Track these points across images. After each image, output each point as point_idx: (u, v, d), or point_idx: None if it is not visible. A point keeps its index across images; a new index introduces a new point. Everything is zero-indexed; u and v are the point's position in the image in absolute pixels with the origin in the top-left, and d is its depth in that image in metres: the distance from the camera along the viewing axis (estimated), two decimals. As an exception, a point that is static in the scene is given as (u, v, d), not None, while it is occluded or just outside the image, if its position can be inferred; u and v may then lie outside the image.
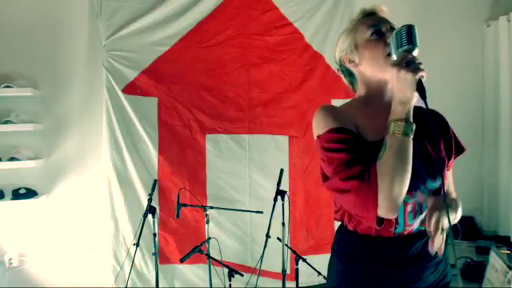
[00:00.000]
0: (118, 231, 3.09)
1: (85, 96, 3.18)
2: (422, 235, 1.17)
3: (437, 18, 3.46)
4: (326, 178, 1.18)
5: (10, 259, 3.07)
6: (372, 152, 1.07)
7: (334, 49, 1.34)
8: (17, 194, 2.98)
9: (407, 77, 1.01)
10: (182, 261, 2.36)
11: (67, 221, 3.15)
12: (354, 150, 1.09)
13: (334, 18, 3.51)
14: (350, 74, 1.34)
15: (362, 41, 1.21)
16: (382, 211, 1.02)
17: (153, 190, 2.70)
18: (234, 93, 3.32)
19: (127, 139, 3.10)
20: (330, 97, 3.51)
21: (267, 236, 2.46)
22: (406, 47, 1.04)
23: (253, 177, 3.34)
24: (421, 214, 1.15)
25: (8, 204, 3.00)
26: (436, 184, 1.16)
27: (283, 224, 2.54)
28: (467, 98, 3.58)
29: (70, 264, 3.15)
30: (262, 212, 2.71)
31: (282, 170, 2.62)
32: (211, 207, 2.76)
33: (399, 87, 1.03)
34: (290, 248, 2.70)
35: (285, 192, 2.53)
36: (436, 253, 1.13)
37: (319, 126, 1.17)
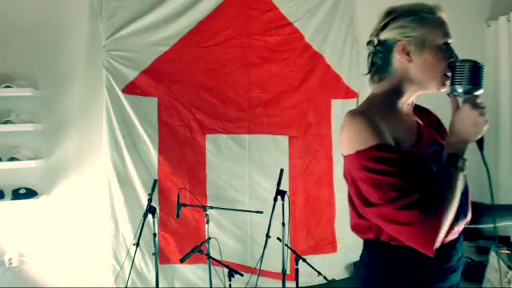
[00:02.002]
0: (117, 231, 3.09)
1: (85, 96, 3.18)
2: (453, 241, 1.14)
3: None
4: (366, 201, 1.02)
5: (10, 259, 3.06)
6: (412, 167, 1.01)
7: (381, 21, 1.15)
8: (17, 194, 2.98)
9: (480, 121, 1.01)
10: (182, 261, 2.36)
11: (67, 221, 3.15)
12: (407, 173, 0.98)
13: (334, 18, 3.51)
14: (386, 61, 1.14)
15: (432, 44, 1.09)
16: (438, 242, 0.97)
17: (153, 190, 2.70)
18: (234, 93, 3.32)
19: (127, 139, 3.10)
20: (330, 97, 3.52)
21: (267, 236, 2.46)
22: (479, 88, 1.03)
23: (253, 177, 3.34)
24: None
25: (8, 204, 3.00)
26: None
27: (283, 224, 2.54)
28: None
29: (70, 264, 3.15)
30: (262, 212, 2.71)
31: (282, 170, 2.62)
32: (211, 207, 2.76)
33: (467, 126, 1.02)
34: (290, 248, 2.69)
35: (285, 192, 2.53)
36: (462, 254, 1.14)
37: (359, 138, 1.01)
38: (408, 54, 1.09)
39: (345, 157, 1.08)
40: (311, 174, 3.47)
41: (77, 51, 3.16)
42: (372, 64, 1.18)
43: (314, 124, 3.48)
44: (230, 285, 2.48)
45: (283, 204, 2.53)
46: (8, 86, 2.92)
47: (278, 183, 2.57)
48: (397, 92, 1.14)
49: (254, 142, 3.35)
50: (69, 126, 3.16)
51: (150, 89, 3.16)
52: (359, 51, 3.65)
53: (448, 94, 1.09)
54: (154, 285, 2.74)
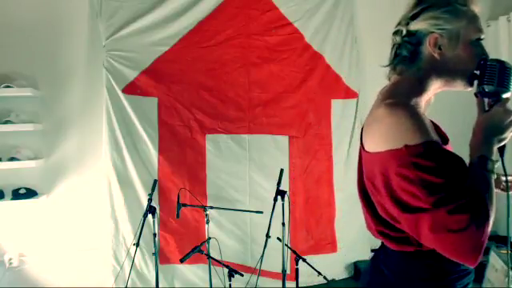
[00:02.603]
0: (117, 231, 3.09)
1: (85, 96, 3.18)
2: None
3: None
4: (408, 207, 0.91)
5: (10, 259, 3.06)
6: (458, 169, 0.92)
7: (411, 10, 1.05)
8: (17, 194, 2.98)
9: (510, 127, 0.97)
10: (181, 261, 2.36)
11: (67, 221, 3.15)
12: (457, 175, 0.89)
13: (334, 17, 3.52)
14: (414, 53, 1.05)
15: (466, 39, 1.01)
16: (483, 251, 0.89)
17: (153, 189, 2.70)
18: (234, 93, 3.32)
19: (127, 139, 3.10)
20: (330, 97, 3.52)
21: (267, 236, 2.46)
22: (508, 91, 0.99)
23: (253, 177, 3.34)
24: None
25: (8, 204, 3.00)
26: None
27: (283, 224, 2.54)
28: (467, 97, 3.56)
29: (70, 264, 3.15)
30: (262, 212, 2.71)
31: (282, 170, 2.62)
32: (211, 207, 2.76)
33: (496, 129, 0.97)
34: (290, 248, 2.69)
35: (285, 192, 2.53)
36: None
37: (408, 132, 0.90)
38: (439, 47, 1.01)
39: (378, 153, 0.96)
40: (311, 174, 3.47)
41: (77, 51, 3.17)
42: (396, 55, 1.08)
43: (314, 124, 3.48)
44: (230, 285, 2.48)
45: (283, 204, 2.53)
46: (8, 86, 2.92)
47: (278, 183, 2.57)
48: (420, 87, 1.04)
49: (254, 142, 3.35)
50: (69, 126, 3.16)
51: (150, 89, 3.16)
52: (359, 51, 3.65)
53: (475, 94, 1.04)
54: (154, 285, 2.73)
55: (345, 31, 3.56)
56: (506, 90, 0.98)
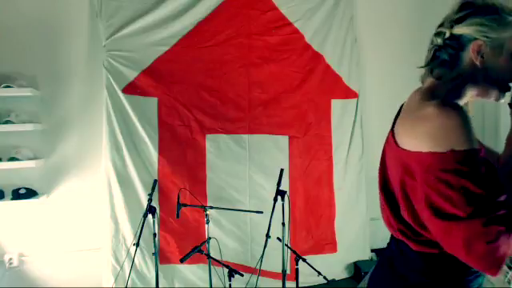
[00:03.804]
0: (117, 231, 3.09)
1: (85, 96, 3.18)
2: None
3: (436, 18, 3.46)
4: (442, 213, 0.88)
5: (10, 259, 3.07)
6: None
7: (456, 11, 1.02)
8: (17, 194, 2.97)
9: None
10: (182, 261, 2.36)
11: (67, 221, 3.15)
12: (495, 185, 0.87)
13: (334, 17, 3.51)
14: (455, 57, 1.01)
15: (509, 50, 0.98)
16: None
17: (153, 189, 2.70)
18: (234, 93, 3.32)
19: (127, 139, 3.10)
20: (330, 97, 3.52)
21: (267, 236, 2.46)
22: None
23: (253, 177, 3.34)
24: None
25: (8, 204, 3.00)
26: None
27: (283, 224, 2.54)
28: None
29: (70, 264, 3.15)
30: (262, 212, 2.71)
31: (282, 170, 2.62)
32: (211, 207, 2.76)
33: None
34: (290, 248, 2.70)
35: (285, 192, 2.53)
36: None
37: (458, 137, 0.87)
38: (482, 55, 0.98)
39: (418, 152, 0.92)
40: (311, 174, 3.47)
41: (77, 51, 3.17)
42: (434, 57, 1.04)
43: (314, 124, 3.48)
44: (230, 285, 2.48)
45: (283, 204, 2.53)
46: (8, 86, 2.92)
47: (278, 183, 2.57)
48: (456, 93, 1.02)
49: (254, 142, 3.35)
50: (69, 125, 3.16)
51: (149, 89, 3.16)
52: (359, 51, 3.65)
53: (510, 105, 1.04)
54: (154, 285, 2.74)
55: (345, 31, 3.55)
56: None
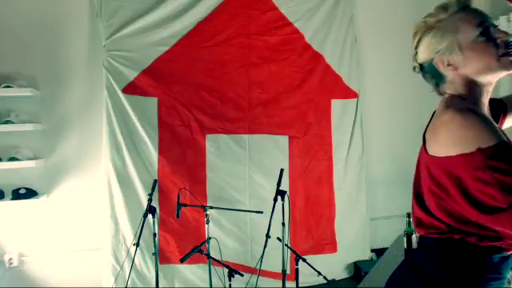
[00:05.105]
0: (117, 231, 3.09)
1: (85, 96, 3.18)
2: None
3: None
4: (484, 207, 0.93)
5: (10, 259, 3.07)
6: None
7: (412, 46, 1.12)
8: (17, 194, 2.97)
9: None
10: (182, 261, 2.36)
11: (67, 221, 3.15)
12: None
13: (334, 17, 3.52)
14: (437, 76, 1.11)
15: (468, 42, 1.03)
16: None
17: (153, 189, 2.70)
18: (234, 93, 3.32)
19: (127, 139, 3.10)
20: (330, 97, 3.52)
21: (267, 236, 2.46)
22: None
23: (253, 177, 3.34)
24: None
25: (8, 204, 3.00)
26: None
27: (283, 224, 2.54)
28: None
29: (70, 264, 3.15)
30: (262, 212, 2.71)
31: (282, 170, 2.62)
32: (211, 207, 2.76)
33: None
34: (290, 248, 2.69)
35: (285, 192, 2.53)
36: None
37: (481, 135, 0.91)
38: (449, 64, 1.06)
39: (448, 157, 0.96)
40: (311, 174, 3.47)
41: (77, 51, 3.17)
42: (428, 79, 1.14)
43: (314, 124, 3.48)
44: (230, 285, 2.48)
45: (283, 204, 2.53)
46: (8, 86, 2.92)
47: (278, 183, 2.57)
48: (470, 92, 1.07)
49: (254, 142, 3.35)
50: (69, 125, 3.16)
51: (149, 89, 3.16)
52: (359, 51, 3.65)
53: None
54: (154, 285, 2.74)
55: (345, 31, 3.56)
56: None
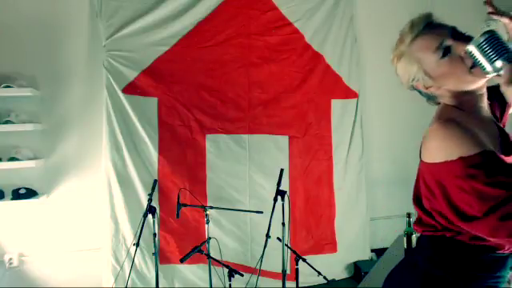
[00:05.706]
0: (117, 231, 3.09)
1: (85, 96, 3.18)
2: None
3: (436, 18, 3.46)
4: (464, 215, 0.94)
5: (10, 259, 3.06)
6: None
7: (396, 67, 1.16)
8: (17, 194, 2.97)
9: None
10: (182, 261, 2.36)
11: (67, 221, 3.15)
12: (509, 182, 0.89)
13: (334, 17, 3.52)
14: (425, 94, 1.15)
15: (432, 67, 1.05)
16: None
17: (153, 189, 2.70)
18: (234, 93, 3.32)
19: (127, 139, 3.10)
20: (330, 97, 3.52)
21: (267, 236, 2.46)
22: (506, 55, 0.92)
23: (253, 177, 3.34)
24: None
25: (8, 204, 3.00)
26: None
27: (283, 224, 2.54)
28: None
29: (70, 264, 3.15)
30: (262, 212, 2.71)
31: (282, 170, 2.62)
32: (211, 207, 2.76)
33: None
34: (290, 248, 2.69)
35: (285, 192, 2.53)
36: None
37: (462, 144, 0.93)
38: (428, 87, 1.10)
39: (433, 164, 0.99)
40: (311, 174, 3.47)
41: (77, 51, 3.17)
42: (421, 94, 1.18)
43: (314, 124, 3.48)
44: (230, 285, 2.48)
45: (283, 204, 2.53)
46: (8, 86, 2.92)
47: (278, 183, 2.57)
48: (460, 102, 1.08)
49: (254, 142, 3.35)
50: (69, 125, 3.16)
51: (149, 89, 3.16)
52: (359, 51, 3.65)
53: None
54: (154, 285, 2.74)
55: (345, 31, 3.56)
56: (497, 59, 0.92)
